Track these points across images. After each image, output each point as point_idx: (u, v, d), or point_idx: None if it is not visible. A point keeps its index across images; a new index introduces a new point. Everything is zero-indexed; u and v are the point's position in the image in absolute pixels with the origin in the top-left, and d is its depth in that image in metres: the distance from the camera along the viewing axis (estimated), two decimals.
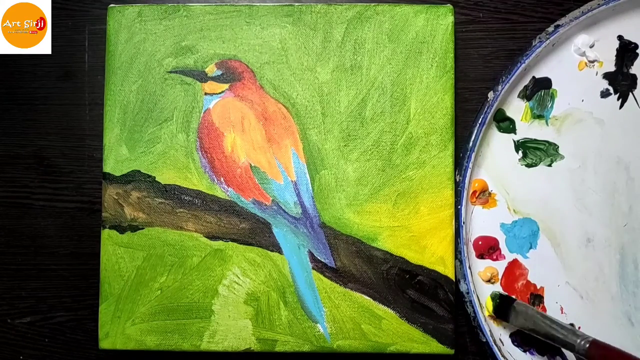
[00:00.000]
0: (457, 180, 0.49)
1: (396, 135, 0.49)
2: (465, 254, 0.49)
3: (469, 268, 0.49)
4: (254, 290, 0.48)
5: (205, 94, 0.50)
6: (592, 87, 0.51)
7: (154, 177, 0.49)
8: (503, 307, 0.48)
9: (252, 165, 0.49)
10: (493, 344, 0.48)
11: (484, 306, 0.50)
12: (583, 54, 0.50)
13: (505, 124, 0.51)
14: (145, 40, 0.50)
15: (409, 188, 0.49)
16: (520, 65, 0.49)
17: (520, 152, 0.51)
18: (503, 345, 0.49)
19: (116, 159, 0.49)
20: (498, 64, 0.52)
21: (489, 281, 0.50)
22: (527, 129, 0.51)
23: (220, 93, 0.50)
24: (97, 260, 0.49)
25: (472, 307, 0.48)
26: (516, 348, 0.49)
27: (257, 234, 0.49)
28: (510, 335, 0.50)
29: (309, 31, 0.50)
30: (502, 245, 0.50)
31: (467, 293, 0.48)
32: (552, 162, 0.50)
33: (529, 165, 0.51)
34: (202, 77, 0.50)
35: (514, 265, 0.50)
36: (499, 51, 0.52)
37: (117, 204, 0.49)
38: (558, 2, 0.52)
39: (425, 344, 0.48)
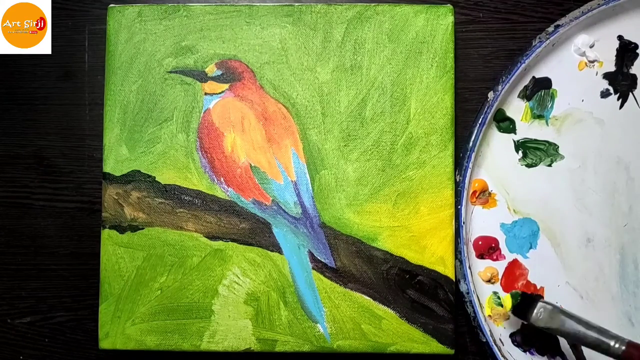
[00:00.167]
0: (457, 180, 0.49)
1: (396, 135, 0.49)
2: (465, 254, 0.49)
3: (469, 268, 0.49)
4: (254, 290, 0.48)
5: (205, 94, 0.50)
6: (592, 87, 0.51)
7: (154, 177, 0.49)
8: (524, 306, 0.46)
9: (252, 165, 0.49)
10: (493, 344, 0.48)
11: (484, 306, 0.50)
12: (583, 54, 0.50)
13: (505, 124, 0.51)
14: (145, 40, 0.50)
15: (409, 188, 0.49)
16: (520, 65, 0.49)
17: (520, 152, 0.51)
18: (503, 345, 0.49)
19: (116, 159, 0.49)
20: (498, 64, 0.52)
21: (489, 281, 0.50)
22: (527, 129, 0.51)
23: (220, 93, 0.50)
24: (97, 260, 0.49)
25: (472, 307, 0.48)
26: (516, 348, 0.49)
27: (257, 234, 0.49)
28: (510, 335, 0.50)
29: (309, 31, 0.50)
30: (502, 245, 0.50)
31: (467, 293, 0.48)
32: (552, 162, 0.50)
33: (529, 165, 0.51)
34: (202, 77, 0.50)
35: (514, 265, 0.50)
36: (499, 51, 0.52)
37: (117, 204, 0.49)
38: (558, 2, 0.52)
39: (425, 344, 0.48)
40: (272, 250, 0.49)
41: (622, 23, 0.50)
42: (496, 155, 0.51)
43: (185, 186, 0.49)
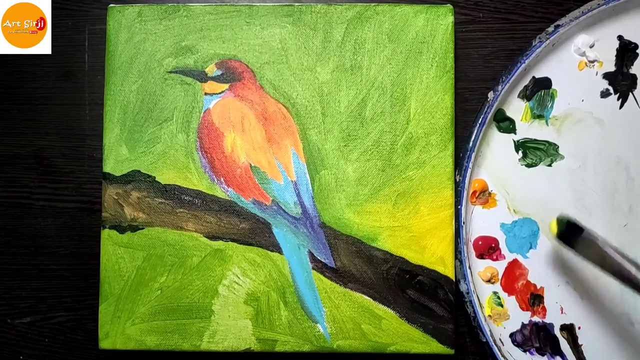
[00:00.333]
0: (457, 180, 0.49)
1: (396, 135, 0.49)
2: (465, 254, 0.49)
3: (469, 268, 0.49)
4: (254, 290, 0.48)
5: (205, 94, 0.50)
6: (592, 87, 0.51)
7: (154, 177, 0.49)
8: (569, 235, 0.44)
9: (252, 165, 0.49)
10: (493, 344, 0.48)
11: (484, 306, 0.50)
12: (583, 54, 0.50)
13: (505, 124, 0.51)
14: (145, 40, 0.50)
15: (409, 188, 0.49)
16: (520, 65, 0.49)
17: (520, 152, 0.51)
18: (503, 345, 0.49)
19: (116, 159, 0.49)
20: (498, 64, 0.52)
21: (489, 281, 0.50)
22: (527, 129, 0.51)
23: (220, 93, 0.50)
24: (97, 260, 0.49)
25: (472, 307, 0.48)
26: (516, 348, 0.49)
27: (257, 234, 0.49)
28: (510, 335, 0.50)
29: (309, 31, 0.50)
30: (502, 245, 0.50)
31: (467, 293, 0.48)
32: (552, 162, 0.50)
33: (529, 165, 0.51)
34: (202, 77, 0.50)
35: (514, 265, 0.50)
36: (499, 51, 0.52)
37: (117, 204, 0.49)
38: (558, 2, 0.52)
39: (425, 344, 0.48)
40: (272, 250, 0.49)
41: (622, 23, 0.50)
42: (496, 155, 0.51)
43: (185, 186, 0.49)
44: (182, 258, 0.49)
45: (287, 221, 0.49)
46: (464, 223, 0.49)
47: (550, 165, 0.50)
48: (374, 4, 0.50)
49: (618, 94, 0.51)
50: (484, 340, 0.48)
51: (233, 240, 0.49)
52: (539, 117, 0.51)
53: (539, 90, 0.50)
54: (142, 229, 0.49)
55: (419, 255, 0.48)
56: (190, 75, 0.50)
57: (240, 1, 0.53)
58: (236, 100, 0.50)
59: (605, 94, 0.51)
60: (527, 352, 0.49)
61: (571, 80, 0.50)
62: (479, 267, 0.50)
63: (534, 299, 0.50)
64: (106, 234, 0.49)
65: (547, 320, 0.50)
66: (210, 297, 0.48)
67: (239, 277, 0.49)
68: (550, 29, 0.50)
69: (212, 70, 0.50)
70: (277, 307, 0.48)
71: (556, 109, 0.51)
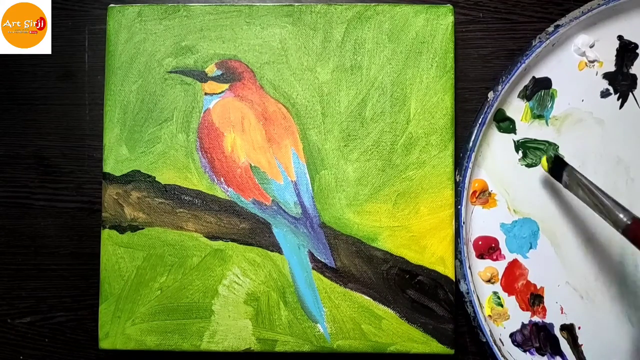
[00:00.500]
0: (457, 180, 0.49)
1: (396, 135, 0.49)
2: (465, 254, 0.49)
3: (469, 268, 0.49)
4: (254, 290, 0.48)
5: (205, 94, 0.50)
6: (592, 87, 0.51)
7: (154, 177, 0.49)
8: (558, 169, 0.48)
9: (252, 165, 0.49)
10: (493, 344, 0.48)
11: (484, 306, 0.50)
12: (583, 54, 0.50)
13: (505, 124, 0.51)
14: (145, 40, 0.50)
15: (409, 188, 0.49)
16: (520, 65, 0.49)
17: (520, 152, 0.51)
18: (503, 345, 0.49)
19: (116, 159, 0.49)
20: (498, 64, 0.52)
21: (489, 281, 0.50)
22: (527, 129, 0.51)
23: (220, 93, 0.50)
24: (97, 260, 0.49)
25: (472, 307, 0.48)
26: (516, 348, 0.49)
27: (257, 234, 0.49)
28: (510, 335, 0.50)
29: (309, 31, 0.50)
30: (502, 245, 0.50)
31: (467, 293, 0.48)
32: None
33: (529, 165, 0.51)
34: (202, 77, 0.50)
35: (514, 265, 0.50)
36: (499, 51, 0.52)
37: (117, 204, 0.49)
38: (558, 2, 0.52)
39: (425, 344, 0.48)
40: (272, 250, 0.49)
41: (622, 23, 0.50)
42: (496, 155, 0.51)
43: (185, 186, 0.49)
44: (182, 258, 0.49)
45: (287, 221, 0.49)
46: (464, 223, 0.49)
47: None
48: (374, 4, 0.50)
49: (618, 94, 0.51)
50: (484, 340, 0.48)
51: (233, 240, 0.49)
52: (539, 117, 0.51)
53: (539, 90, 0.51)
54: (142, 229, 0.49)
55: (419, 255, 0.48)
56: (190, 75, 0.50)
57: (240, 1, 0.53)
58: (236, 100, 0.50)
59: (605, 94, 0.51)
60: (527, 352, 0.49)
61: (571, 80, 0.50)
62: (479, 267, 0.50)
63: (534, 299, 0.50)
64: (106, 234, 0.49)
65: (547, 320, 0.50)
66: (210, 297, 0.48)
67: (239, 277, 0.49)
68: (550, 29, 0.50)
69: (212, 70, 0.50)
70: (277, 307, 0.48)
71: (556, 109, 0.51)
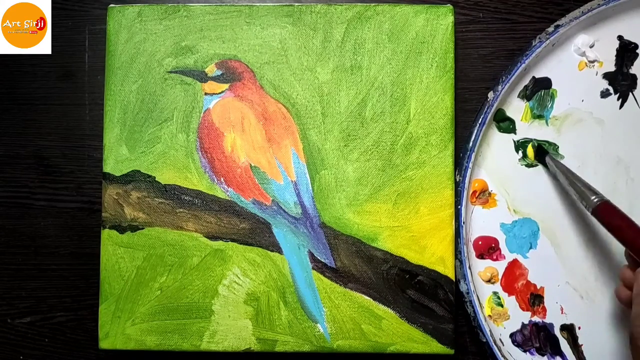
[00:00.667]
0: (457, 180, 0.49)
1: (396, 135, 0.49)
2: (465, 254, 0.49)
3: (469, 268, 0.49)
4: (254, 290, 0.48)
5: (205, 94, 0.50)
6: (592, 87, 0.51)
7: (154, 177, 0.49)
8: (541, 155, 0.50)
9: (252, 165, 0.49)
10: (493, 344, 0.48)
11: (484, 306, 0.50)
12: (583, 54, 0.50)
13: (505, 124, 0.51)
14: (145, 40, 0.50)
15: (409, 188, 0.49)
16: (520, 65, 0.49)
17: (520, 152, 0.51)
18: (503, 345, 0.49)
19: (116, 159, 0.49)
20: (498, 64, 0.52)
21: (489, 281, 0.50)
22: (527, 129, 0.51)
23: (220, 93, 0.50)
24: (97, 260, 0.49)
25: (472, 307, 0.48)
26: (516, 348, 0.49)
27: (257, 234, 0.49)
28: (510, 335, 0.50)
29: (309, 31, 0.50)
30: (502, 245, 0.50)
31: (467, 293, 0.48)
32: None
33: (529, 165, 0.51)
34: (202, 77, 0.50)
35: (514, 265, 0.50)
36: (499, 51, 0.52)
37: (117, 204, 0.49)
38: (558, 2, 0.52)
39: (425, 344, 0.48)
40: (272, 250, 0.49)
41: (622, 23, 0.50)
42: (496, 155, 0.51)
43: (185, 186, 0.49)
44: (182, 258, 0.49)
45: (287, 221, 0.49)
46: (464, 223, 0.49)
47: None
48: (374, 4, 0.50)
49: (618, 94, 0.51)
50: (484, 340, 0.48)
51: (233, 240, 0.49)
52: (539, 117, 0.51)
53: (539, 90, 0.50)
54: (142, 229, 0.49)
55: (419, 255, 0.48)
56: (190, 75, 0.50)
57: (240, 1, 0.53)
58: (236, 100, 0.50)
59: (605, 94, 0.51)
60: (527, 352, 0.49)
61: (571, 80, 0.50)
62: (479, 267, 0.50)
63: (534, 299, 0.50)
64: (106, 234, 0.49)
65: (547, 320, 0.50)
66: (210, 297, 0.48)
67: (239, 277, 0.49)
68: (550, 29, 0.50)
69: (212, 70, 0.50)
70: (277, 307, 0.48)
71: (556, 109, 0.51)
